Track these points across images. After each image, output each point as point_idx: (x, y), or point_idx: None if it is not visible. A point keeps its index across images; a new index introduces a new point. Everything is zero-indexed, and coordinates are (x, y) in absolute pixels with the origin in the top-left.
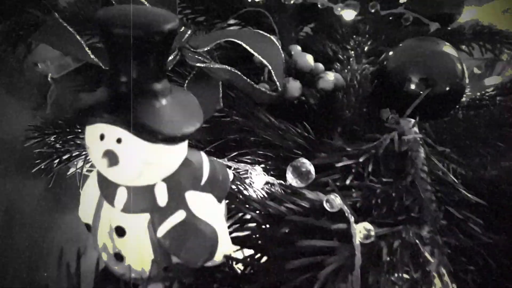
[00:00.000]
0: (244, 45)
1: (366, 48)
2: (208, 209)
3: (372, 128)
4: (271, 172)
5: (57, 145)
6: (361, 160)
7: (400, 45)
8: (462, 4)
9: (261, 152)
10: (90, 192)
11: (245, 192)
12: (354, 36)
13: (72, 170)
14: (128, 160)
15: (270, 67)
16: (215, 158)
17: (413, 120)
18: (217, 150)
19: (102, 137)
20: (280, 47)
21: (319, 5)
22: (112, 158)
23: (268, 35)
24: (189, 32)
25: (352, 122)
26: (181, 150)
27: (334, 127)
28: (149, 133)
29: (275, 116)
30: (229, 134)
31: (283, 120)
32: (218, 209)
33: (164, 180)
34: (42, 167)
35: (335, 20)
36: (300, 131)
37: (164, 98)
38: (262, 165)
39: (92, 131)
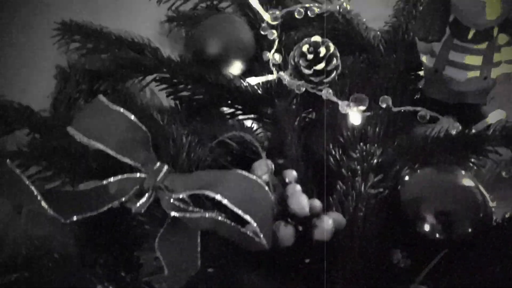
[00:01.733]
0: (221, 199)
1: (374, 161)
2: None
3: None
4: None
5: None
6: None
7: (415, 174)
8: (486, 95)
9: None
10: None
11: None
12: (361, 144)
13: None
14: None
15: (254, 225)
16: None
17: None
18: None
19: None
20: (269, 171)
21: (323, 97)
22: None
23: (256, 179)
24: (165, 168)
25: (355, 274)
26: None
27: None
28: None
29: (265, 269)
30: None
31: (272, 274)
32: None
33: None
34: None
35: (340, 118)
36: None
37: None
38: None
39: None
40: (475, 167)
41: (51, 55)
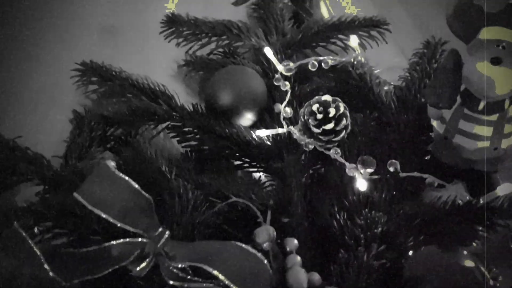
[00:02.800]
0: (217, 274)
1: (379, 230)
2: None
3: None
4: None
5: None
6: None
7: (419, 251)
8: (496, 164)
9: None
10: None
11: None
12: (366, 210)
13: None
14: None
15: None
16: None
17: None
18: None
19: None
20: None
21: (331, 157)
22: None
23: (255, 252)
24: (166, 234)
25: None
26: None
27: None
28: None
29: None
30: None
31: None
32: None
33: None
34: None
35: (347, 179)
36: None
37: None
38: None
39: None
40: (482, 239)
41: (69, 96)
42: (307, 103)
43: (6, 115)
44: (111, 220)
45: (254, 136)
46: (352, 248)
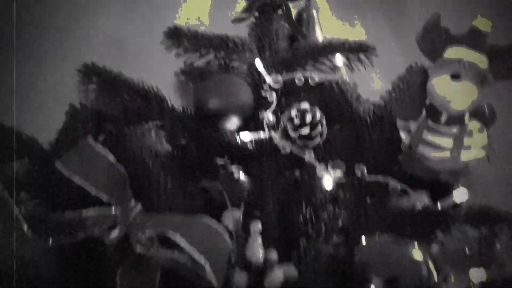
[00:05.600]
0: (179, 240)
1: (340, 223)
2: None
3: None
4: None
5: None
6: None
7: (372, 240)
8: (458, 176)
9: None
10: None
11: None
12: (331, 206)
13: None
14: None
15: (206, 266)
16: None
17: None
18: None
19: None
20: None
21: (305, 160)
22: None
23: (217, 228)
24: (138, 206)
25: None
26: None
27: None
28: None
29: None
30: None
31: None
32: None
33: None
34: None
35: (317, 182)
36: None
37: None
38: None
39: None
40: (439, 243)
41: (69, 93)
42: (287, 110)
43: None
44: (88, 187)
45: (238, 139)
46: (313, 239)
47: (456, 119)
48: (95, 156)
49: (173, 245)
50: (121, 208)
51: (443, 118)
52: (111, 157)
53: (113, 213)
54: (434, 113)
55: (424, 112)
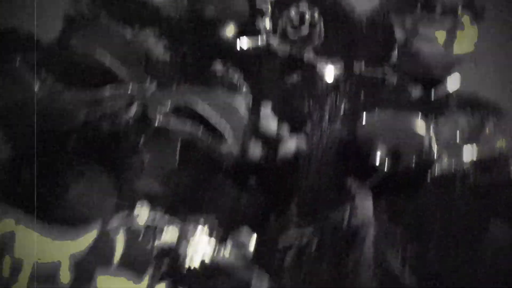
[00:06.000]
0: (200, 106)
1: (342, 109)
2: None
3: (331, 199)
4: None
5: None
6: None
7: (375, 115)
8: (451, 69)
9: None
10: None
11: None
12: (333, 95)
13: None
14: None
15: (227, 129)
16: None
17: (370, 196)
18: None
19: None
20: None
21: (304, 60)
22: None
23: (230, 103)
24: (154, 84)
25: (310, 191)
26: None
27: (291, 197)
28: None
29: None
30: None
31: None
32: None
33: None
34: None
35: (318, 77)
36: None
37: None
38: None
39: None
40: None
41: None
42: (285, 11)
43: None
44: (107, 61)
45: (237, 44)
46: (316, 124)
47: (450, 10)
48: (111, 35)
49: (191, 117)
50: (137, 86)
51: (438, 8)
52: (129, 34)
53: (129, 92)
54: (428, 3)
55: (419, 4)
